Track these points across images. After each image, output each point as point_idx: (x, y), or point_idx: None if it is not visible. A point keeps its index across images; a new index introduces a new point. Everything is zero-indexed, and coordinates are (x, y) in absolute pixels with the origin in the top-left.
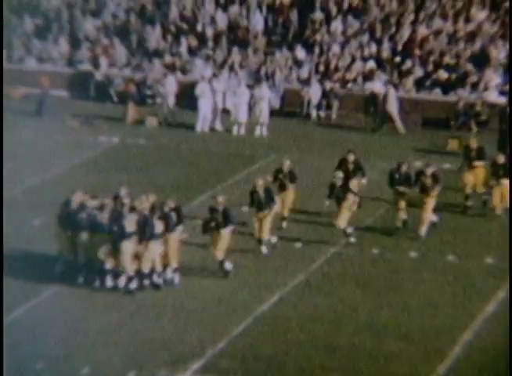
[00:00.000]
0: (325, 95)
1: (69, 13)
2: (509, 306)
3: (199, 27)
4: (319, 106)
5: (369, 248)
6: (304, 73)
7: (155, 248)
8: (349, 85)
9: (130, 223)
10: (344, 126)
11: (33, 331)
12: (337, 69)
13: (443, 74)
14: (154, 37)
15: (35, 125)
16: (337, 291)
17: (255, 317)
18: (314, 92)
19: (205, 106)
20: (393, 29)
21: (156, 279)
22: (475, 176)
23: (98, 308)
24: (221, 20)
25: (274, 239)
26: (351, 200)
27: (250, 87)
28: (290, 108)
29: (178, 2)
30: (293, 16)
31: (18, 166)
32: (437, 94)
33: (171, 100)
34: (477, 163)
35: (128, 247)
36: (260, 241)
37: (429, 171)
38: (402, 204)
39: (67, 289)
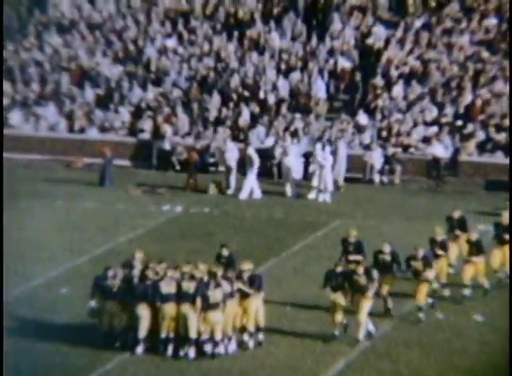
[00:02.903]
0: (387, 160)
1: (130, 82)
2: (509, 308)
3: (261, 94)
4: (381, 171)
5: (434, 313)
6: (367, 138)
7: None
8: (411, 150)
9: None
10: (408, 190)
11: None
12: (399, 134)
13: (505, 137)
14: (216, 105)
15: (98, 195)
16: (402, 356)
17: None
18: (376, 157)
19: (252, 174)
20: (454, 93)
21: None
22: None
23: None
24: (283, 87)
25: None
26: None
27: (311, 154)
28: (352, 173)
29: (240, 70)
30: (355, 81)
31: (82, 236)
32: (499, 157)
33: (233, 166)
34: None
35: (218, 315)
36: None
37: (361, 270)
38: (340, 307)
39: (132, 359)
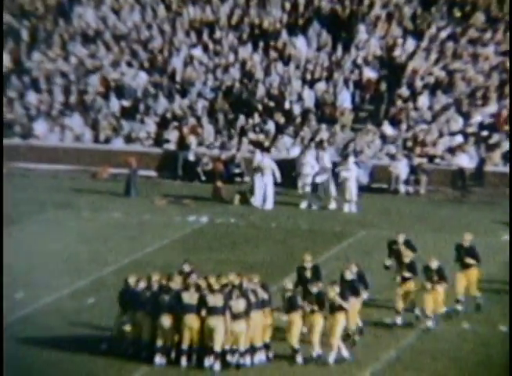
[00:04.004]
0: (413, 170)
1: (156, 93)
2: (509, 310)
3: (286, 105)
4: (407, 182)
5: (459, 323)
6: (392, 149)
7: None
8: (437, 160)
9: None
10: (433, 201)
11: None
12: (424, 144)
13: None
14: (241, 115)
15: (124, 205)
16: (427, 366)
17: None
18: (402, 168)
19: (267, 181)
20: (479, 103)
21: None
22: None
23: None
24: (308, 97)
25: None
26: None
27: (337, 164)
28: (378, 184)
29: (265, 80)
30: (380, 92)
31: (108, 247)
32: None
33: (261, 177)
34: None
35: (241, 325)
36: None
37: (336, 289)
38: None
39: (157, 369)
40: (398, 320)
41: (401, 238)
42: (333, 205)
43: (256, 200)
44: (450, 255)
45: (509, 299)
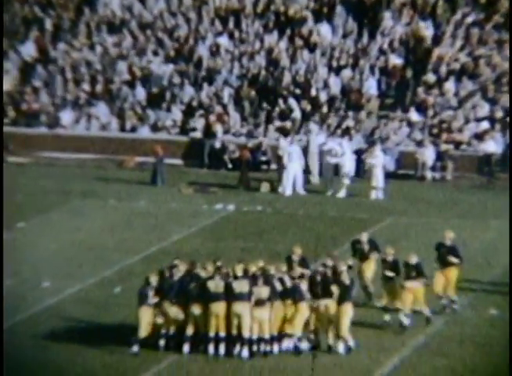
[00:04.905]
0: (439, 156)
1: (181, 81)
2: (509, 310)
3: (312, 92)
4: (433, 168)
5: (487, 309)
6: (418, 135)
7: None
8: (463, 146)
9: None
10: (460, 187)
11: None
12: (450, 130)
13: None
14: (267, 102)
15: (150, 194)
16: (456, 352)
17: None
18: (428, 154)
19: (293, 168)
20: (505, 89)
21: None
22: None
23: None
24: (334, 84)
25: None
26: None
27: (363, 151)
28: (404, 170)
29: (291, 68)
30: (406, 78)
31: (135, 235)
32: None
33: (287, 164)
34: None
35: (264, 312)
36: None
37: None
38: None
39: (185, 358)
40: (387, 317)
41: (364, 237)
42: (342, 193)
43: (284, 189)
44: (477, 242)
45: (509, 298)
